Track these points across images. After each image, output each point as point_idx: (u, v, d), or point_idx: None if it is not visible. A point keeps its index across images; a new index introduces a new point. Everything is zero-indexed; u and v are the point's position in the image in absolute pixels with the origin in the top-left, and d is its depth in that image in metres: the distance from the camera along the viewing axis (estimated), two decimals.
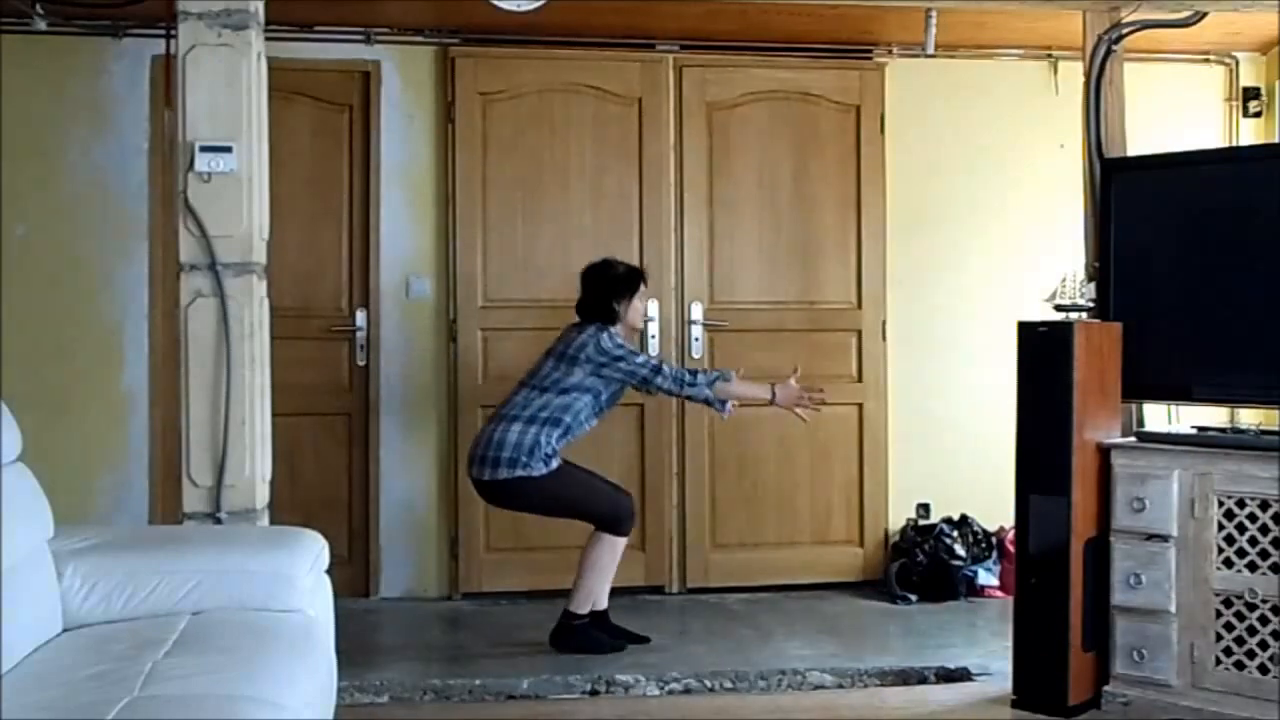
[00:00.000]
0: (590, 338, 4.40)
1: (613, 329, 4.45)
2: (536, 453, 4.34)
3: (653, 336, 5.34)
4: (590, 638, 4.44)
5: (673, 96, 5.40)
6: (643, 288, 4.58)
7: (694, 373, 4.47)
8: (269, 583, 3.07)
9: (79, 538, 3.12)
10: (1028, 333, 3.90)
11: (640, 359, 4.44)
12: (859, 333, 5.53)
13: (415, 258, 5.29)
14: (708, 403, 4.52)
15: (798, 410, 4.59)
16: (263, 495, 3.76)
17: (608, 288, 4.51)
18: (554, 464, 4.39)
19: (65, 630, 2.92)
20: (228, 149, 3.68)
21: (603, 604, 4.53)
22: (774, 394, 4.54)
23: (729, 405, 4.56)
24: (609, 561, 4.47)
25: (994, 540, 5.37)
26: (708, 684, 4.19)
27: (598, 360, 4.38)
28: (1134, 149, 4.33)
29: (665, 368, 4.43)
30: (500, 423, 4.40)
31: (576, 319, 4.53)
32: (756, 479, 5.44)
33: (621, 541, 4.48)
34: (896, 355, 5.56)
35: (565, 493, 4.43)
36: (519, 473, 4.34)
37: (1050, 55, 5.57)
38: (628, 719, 3.89)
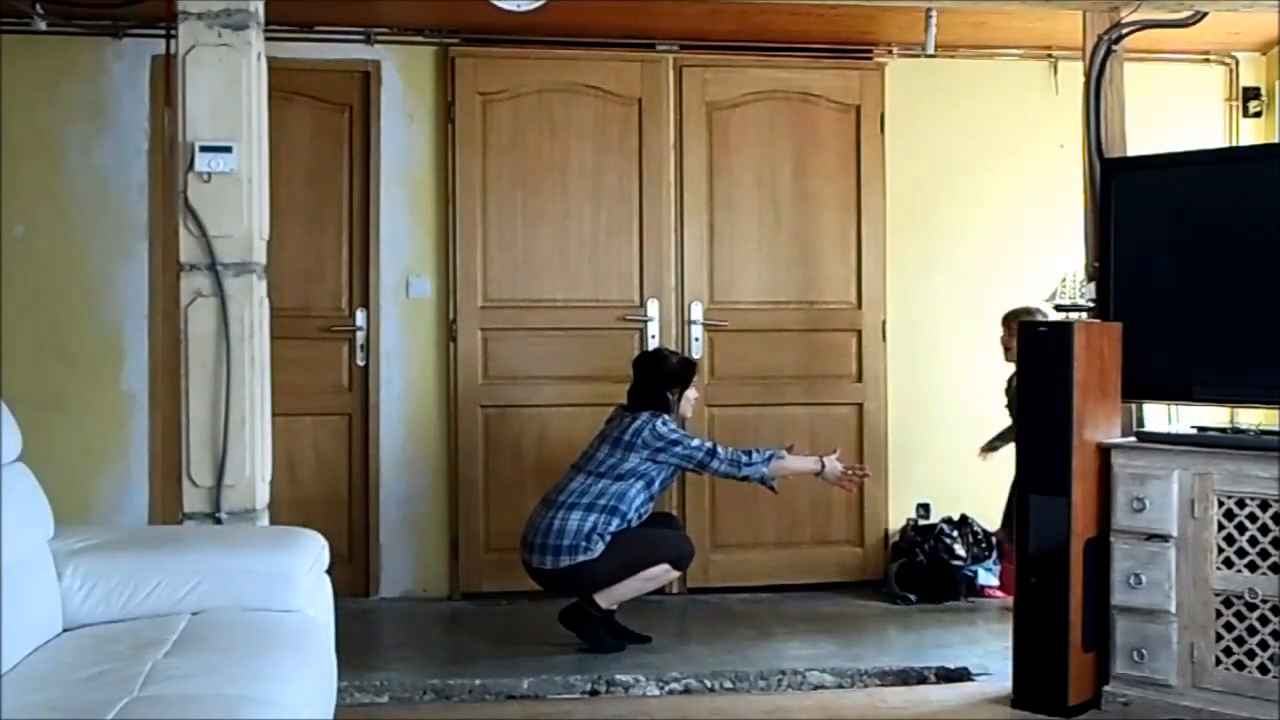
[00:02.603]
0: (645, 424, 4.43)
1: (666, 416, 4.49)
2: (594, 537, 4.37)
3: (653, 336, 5.34)
4: (596, 632, 4.45)
5: (673, 96, 5.40)
6: (695, 379, 4.65)
7: (748, 453, 4.48)
8: (269, 583, 3.07)
9: (79, 538, 3.12)
10: (1028, 333, 3.90)
11: (695, 443, 4.46)
12: (859, 333, 5.53)
13: (415, 258, 5.29)
14: (762, 481, 4.53)
15: (842, 484, 4.67)
16: (263, 495, 3.76)
17: (663, 380, 4.57)
18: (608, 539, 4.41)
19: (65, 630, 2.92)
20: (228, 149, 3.67)
21: (615, 606, 4.53)
22: (823, 467, 4.58)
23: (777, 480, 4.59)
24: (654, 584, 4.53)
25: (994, 540, 5.37)
26: (708, 684, 4.19)
27: (654, 445, 4.41)
28: (1134, 149, 4.33)
29: (720, 450, 4.46)
30: (559, 510, 4.41)
31: (625, 403, 4.58)
32: None
33: (676, 573, 4.57)
34: (896, 355, 5.56)
35: (629, 558, 4.43)
36: (580, 558, 4.37)
37: (1050, 55, 5.57)
38: (628, 719, 3.89)
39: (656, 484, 4.51)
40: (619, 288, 5.34)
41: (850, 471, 4.64)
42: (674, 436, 4.44)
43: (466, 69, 5.28)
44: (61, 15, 4.86)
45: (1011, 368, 4.53)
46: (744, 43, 5.39)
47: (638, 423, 4.44)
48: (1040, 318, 4.69)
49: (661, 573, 4.50)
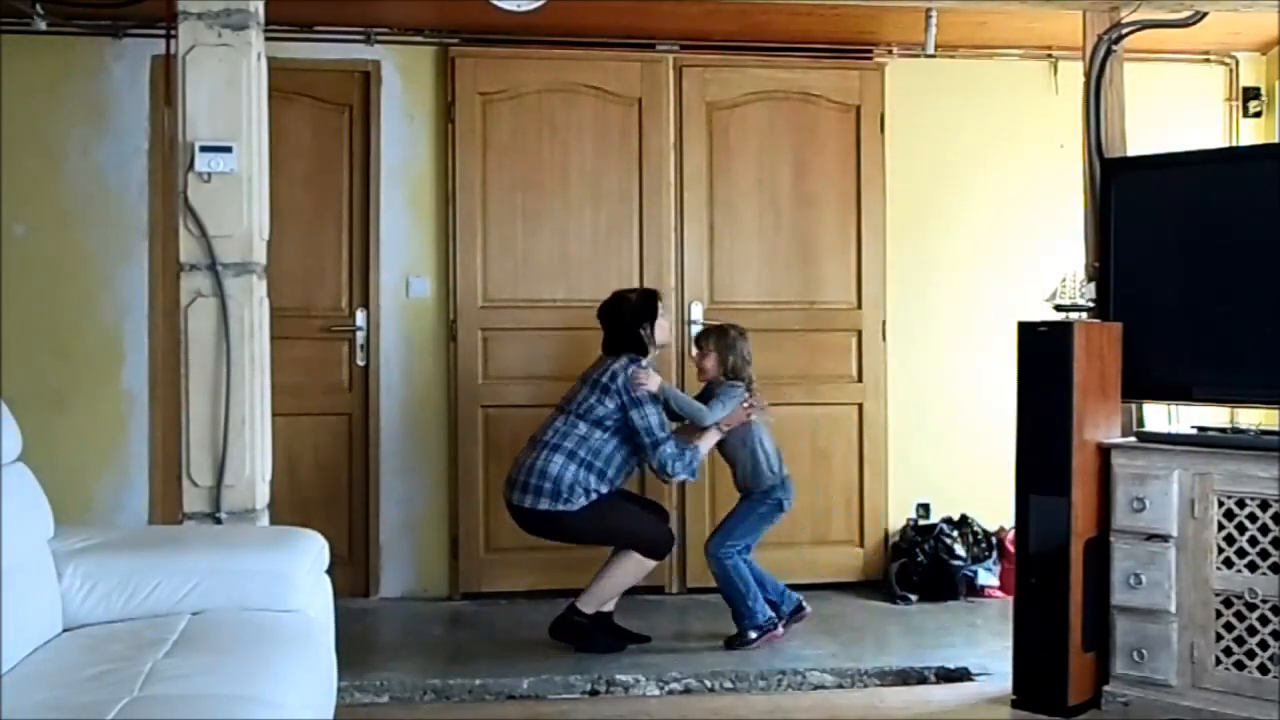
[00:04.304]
0: (622, 367, 4.43)
1: (644, 360, 4.49)
2: (577, 490, 4.37)
3: None
4: (587, 638, 4.45)
5: (673, 96, 5.40)
6: (661, 306, 4.63)
7: (683, 450, 4.45)
8: (269, 583, 3.07)
9: (79, 538, 3.12)
10: (1028, 333, 3.90)
11: (657, 420, 4.42)
12: (859, 333, 5.53)
13: (415, 258, 5.29)
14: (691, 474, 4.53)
15: (752, 417, 4.62)
16: (263, 495, 3.76)
17: (630, 320, 4.55)
18: (593, 497, 4.41)
19: (65, 630, 2.92)
20: (228, 149, 3.67)
21: (608, 607, 4.53)
22: (721, 429, 4.57)
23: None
24: (631, 578, 4.51)
25: (994, 540, 5.37)
26: (708, 684, 4.19)
27: (627, 395, 4.39)
28: (1134, 149, 4.33)
29: (676, 444, 4.43)
30: (543, 450, 4.41)
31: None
32: None
33: (651, 564, 4.52)
34: (896, 355, 5.56)
35: (603, 524, 4.44)
36: (559, 506, 4.36)
37: (1050, 55, 5.57)
38: (628, 719, 3.89)
39: (633, 452, 4.46)
40: (619, 287, 5.33)
41: (748, 407, 4.60)
42: (641, 396, 4.38)
43: (466, 69, 5.28)
44: (61, 15, 4.86)
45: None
46: (744, 43, 5.40)
47: (615, 365, 4.43)
48: (734, 334, 4.68)
49: (635, 566, 4.46)
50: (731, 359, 4.66)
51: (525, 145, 5.31)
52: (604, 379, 4.43)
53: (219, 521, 3.66)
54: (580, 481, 4.37)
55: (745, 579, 4.58)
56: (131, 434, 5.11)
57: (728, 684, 4.20)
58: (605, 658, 4.36)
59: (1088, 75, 4.34)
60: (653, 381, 4.45)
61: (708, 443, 4.55)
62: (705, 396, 4.67)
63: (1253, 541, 3.62)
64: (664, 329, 4.63)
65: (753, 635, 4.53)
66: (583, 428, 4.41)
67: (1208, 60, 5.67)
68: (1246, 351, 3.86)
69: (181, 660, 2.61)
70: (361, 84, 5.29)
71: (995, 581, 5.29)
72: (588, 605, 4.47)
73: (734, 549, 4.60)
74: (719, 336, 4.71)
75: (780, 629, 4.61)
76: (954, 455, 5.52)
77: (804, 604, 4.71)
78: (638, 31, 5.30)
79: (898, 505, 5.55)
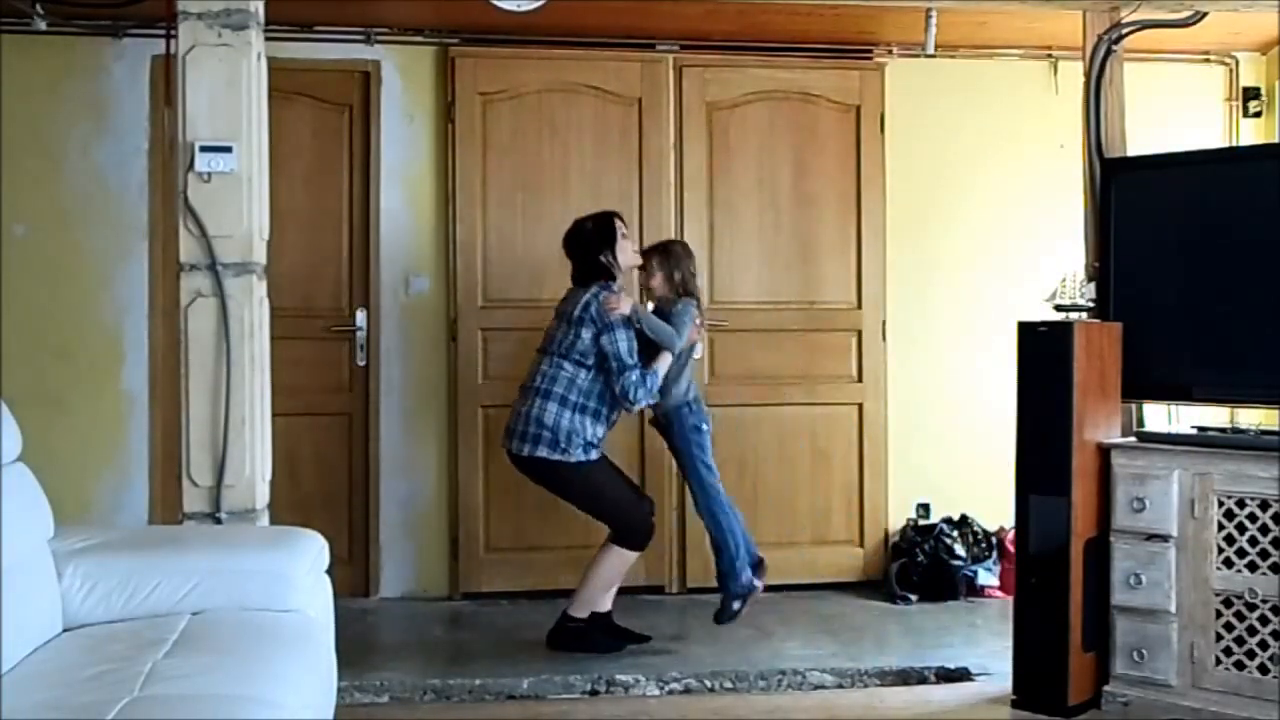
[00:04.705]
0: (593, 296, 4.39)
1: (614, 285, 4.45)
2: (575, 439, 4.35)
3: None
4: (585, 640, 4.45)
5: (673, 96, 5.40)
6: (620, 226, 4.54)
7: (644, 376, 4.40)
8: (269, 583, 3.07)
9: (79, 538, 3.12)
10: (1028, 333, 3.90)
11: (627, 347, 4.35)
12: (859, 333, 5.53)
13: (415, 257, 5.29)
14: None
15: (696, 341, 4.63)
16: (263, 495, 3.76)
17: (590, 247, 4.50)
18: (594, 454, 4.40)
19: (65, 630, 2.92)
20: (228, 149, 3.67)
21: (605, 606, 4.53)
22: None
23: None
24: (615, 573, 4.50)
25: (994, 540, 5.37)
26: (708, 684, 4.20)
27: (600, 322, 4.35)
28: (1134, 149, 4.33)
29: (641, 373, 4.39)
30: (535, 397, 4.39)
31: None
32: (756, 479, 5.44)
33: (632, 555, 4.50)
34: (896, 355, 5.56)
35: (598, 490, 4.44)
36: (557, 456, 4.35)
37: (1050, 55, 5.57)
38: (628, 719, 3.89)
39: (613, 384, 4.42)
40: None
41: (699, 323, 4.60)
42: (613, 321, 4.34)
43: (466, 69, 5.28)
44: (61, 15, 4.86)
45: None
46: (744, 43, 5.40)
47: (586, 296, 4.40)
48: (678, 249, 4.63)
49: (617, 560, 4.45)
50: (679, 275, 4.59)
51: (525, 145, 5.31)
52: (577, 312, 4.39)
53: (219, 521, 3.66)
54: (577, 429, 4.35)
55: (736, 538, 4.54)
56: (131, 434, 5.11)
57: (728, 684, 4.20)
58: (605, 658, 4.36)
59: (1088, 75, 4.34)
60: (625, 304, 4.40)
61: (664, 365, 4.48)
62: (659, 318, 4.57)
63: (1253, 541, 3.62)
64: (627, 251, 4.54)
65: (737, 605, 4.52)
66: (568, 368, 4.38)
67: (1208, 60, 5.67)
68: (1246, 351, 3.86)
69: (181, 660, 2.61)
70: (361, 84, 5.29)
71: (995, 581, 5.29)
72: (579, 610, 4.47)
73: (713, 486, 4.54)
74: (663, 253, 4.64)
75: (759, 584, 4.60)
76: (954, 455, 5.52)
77: (762, 558, 4.67)
78: (638, 31, 5.30)
79: (898, 505, 5.55)
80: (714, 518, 4.54)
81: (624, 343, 4.36)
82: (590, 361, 4.38)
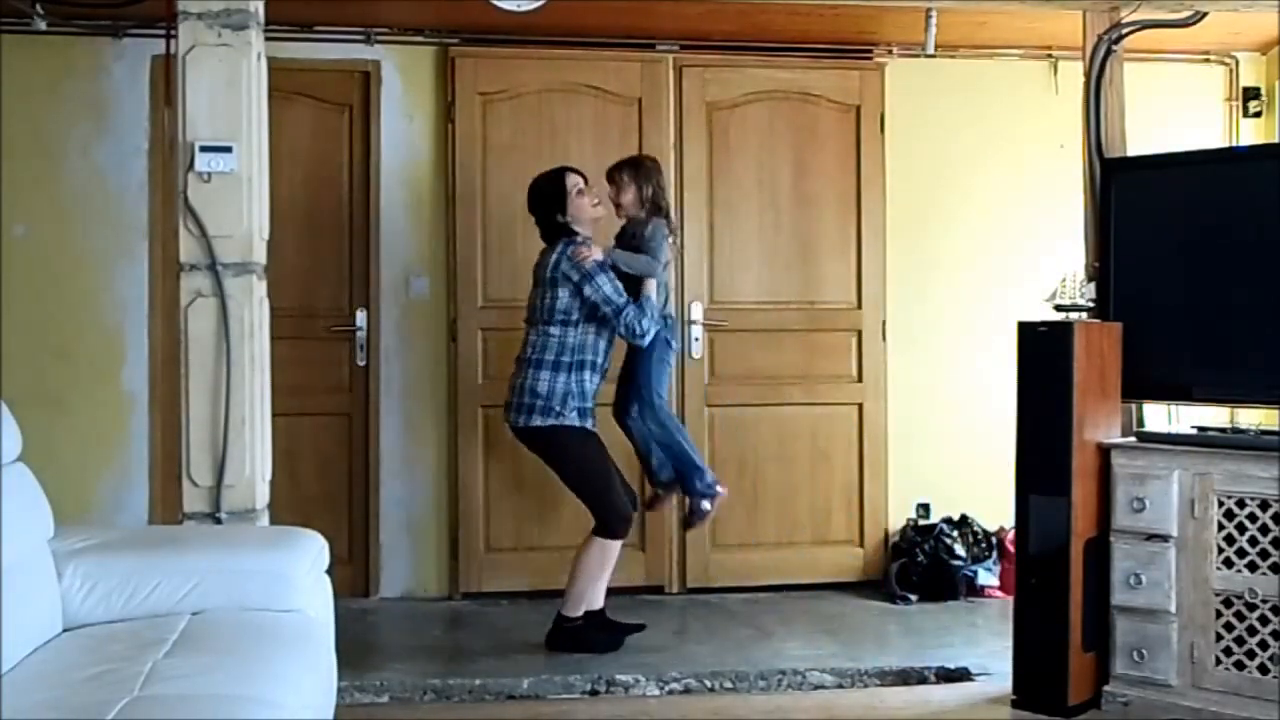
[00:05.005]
0: (559, 254, 4.39)
1: (579, 237, 4.43)
2: (570, 402, 4.37)
3: None
4: (584, 639, 4.45)
5: (673, 96, 5.40)
6: (572, 181, 4.50)
7: (639, 306, 4.39)
8: (269, 583, 3.07)
9: (79, 538, 3.12)
10: (1028, 333, 3.90)
11: (610, 288, 4.34)
12: (859, 333, 5.53)
13: (415, 258, 5.29)
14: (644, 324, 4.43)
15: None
16: (263, 495, 3.76)
17: (544, 205, 4.50)
18: (589, 423, 4.41)
19: (65, 630, 2.92)
20: (228, 149, 3.68)
21: (598, 604, 4.53)
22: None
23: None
24: (601, 566, 4.48)
25: (994, 540, 5.37)
26: (708, 684, 4.19)
27: (574, 277, 4.34)
28: (1134, 149, 4.33)
29: (633, 306, 4.37)
30: (527, 369, 4.41)
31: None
32: (756, 479, 5.44)
33: (615, 545, 4.48)
34: (896, 355, 5.56)
35: (589, 464, 4.44)
36: (552, 421, 4.36)
37: (1050, 55, 5.57)
38: (628, 719, 3.89)
39: (605, 326, 4.41)
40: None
41: (673, 242, 4.61)
42: (589, 269, 4.33)
43: (466, 69, 5.28)
44: (61, 15, 4.86)
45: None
46: (744, 43, 5.40)
47: (554, 256, 4.40)
48: (648, 163, 4.59)
49: (600, 552, 4.44)
50: (649, 189, 4.55)
51: (525, 145, 5.30)
52: (549, 272, 4.40)
53: (219, 521, 3.66)
54: (572, 390, 4.37)
55: (689, 443, 4.54)
56: (131, 434, 5.11)
57: (728, 684, 4.20)
58: (605, 657, 4.36)
59: (1088, 75, 4.34)
60: (595, 252, 4.39)
61: (654, 289, 4.47)
62: (627, 239, 4.56)
63: (1253, 541, 3.62)
64: (582, 206, 4.49)
65: (706, 506, 4.54)
66: (554, 332, 4.38)
67: (1208, 60, 5.67)
68: (1246, 351, 3.86)
69: (181, 660, 2.61)
70: (361, 84, 5.29)
71: (995, 581, 5.29)
72: (572, 609, 4.47)
73: (660, 400, 4.53)
74: (633, 168, 4.59)
75: (722, 490, 4.61)
76: (954, 455, 5.52)
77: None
78: (638, 31, 5.30)
79: (898, 505, 5.55)
80: (664, 426, 4.54)
81: (607, 285, 4.35)
82: (575, 318, 4.38)
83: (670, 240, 4.58)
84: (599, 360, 4.45)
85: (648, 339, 4.45)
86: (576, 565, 4.47)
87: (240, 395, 3.68)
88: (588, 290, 4.34)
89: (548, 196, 4.50)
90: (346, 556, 5.14)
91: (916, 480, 5.55)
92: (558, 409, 4.36)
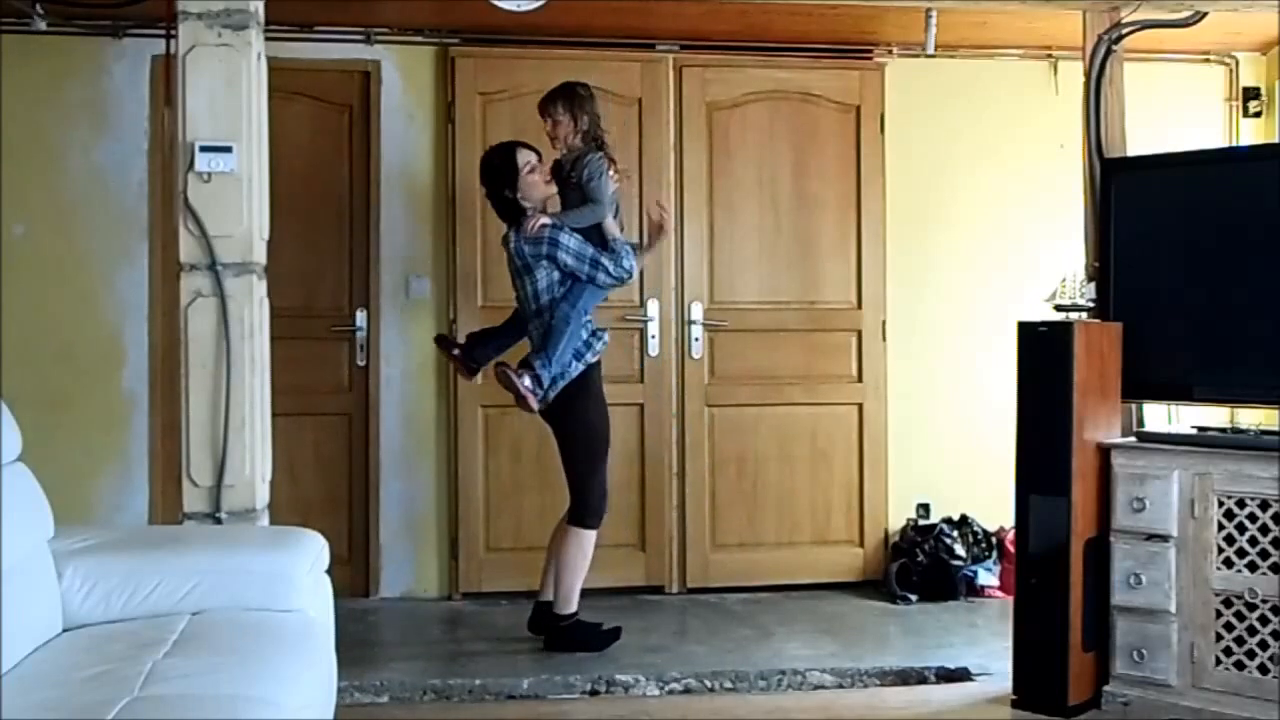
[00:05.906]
0: (517, 243, 4.37)
1: (526, 220, 4.35)
2: (572, 364, 4.36)
3: (653, 336, 5.34)
4: (584, 633, 4.45)
5: (673, 96, 5.40)
6: (524, 158, 4.45)
7: (614, 253, 4.37)
8: (269, 583, 3.07)
9: (79, 538, 3.12)
10: (1028, 333, 3.90)
11: (576, 246, 4.31)
12: (859, 333, 5.53)
13: (415, 258, 5.29)
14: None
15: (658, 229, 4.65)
16: (263, 495, 3.76)
17: (494, 185, 4.46)
18: (588, 356, 4.38)
19: (65, 630, 2.92)
20: (228, 149, 3.67)
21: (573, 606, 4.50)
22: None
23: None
24: (581, 557, 4.46)
25: (994, 540, 5.37)
26: (708, 684, 4.20)
27: (543, 251, 4.32)
28: (1134, 149, 4.33)
29: (606, 258, 4.36)
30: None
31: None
32: (756, 479, 5.44)
33: (590, 537, 4.46)
34: (896, 355, 5.56)
35: (589, 439, 4.44)
36: (560, 384, 4.35)
37: (1050, 55, 5.57)
38: (628, 719, 3.89)
39: (590, 280, 4.39)
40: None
41: (616, 175, 4.53)
42: (548, 235, 4.30)
43: (466, 69, 5.28)
44: (61, 15, 4.86)
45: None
46: (744, 43, 5.40)
47: (513, 244, 4.39)
48: (582, 91, 4.48)
49: (576, 543, 4.43)
50: (585, 118, 4.47)
51: None
52: (519, 263, 4.39)
53: (219, 521, 3.65)
54: (578, 348, 4.37)
55: (568, 337, 4.35)
56: (131, 434, 5.11)
57: (728, 684, 4.20)
58: (605, 657, 4.36)
59: (1088, 75, 4.34)
60: (542, 218, 4.34)
61: (613, 228, 4.45)
62: (564, 177, 4.46)
63: (1253, 541, 3.62)
64: (534, 184, 4.43)
65: (527, 383, 4.31)
66: (547, 317, 4.37)
67: (1208, 60, 5.67)
68: (1246, 351, 3.86)
69: (181, 660, 2.61)
70: (361, 84, 5.29)
71: (995, 581, 5.29)
72: (565, 606, 4.46)
73: (575, 310, 4.36)
74: (566, 97, 4.49)
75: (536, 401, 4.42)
76: (954, 455, 5.52)
77: None
78: (638, 31, 5.30)
79: (898, 505, 5.55)
80: (565, 320, 4.36)
81: (572, 243, 4.33)
82: (559, 291, 4.36)
83: (611, 174, 4.46)
84: (590, 298, 4.42)
85: (629, 278, 4.47)
86: (559, 564, 4.47)
87: (240, 395, 3.67)
88: (561, 259, 4.32)
89: (496, 170, 4.45)
90: (346, 556, 5.13)
91: (916, 480, 5.55)
92: (569, 371, 4.36)
